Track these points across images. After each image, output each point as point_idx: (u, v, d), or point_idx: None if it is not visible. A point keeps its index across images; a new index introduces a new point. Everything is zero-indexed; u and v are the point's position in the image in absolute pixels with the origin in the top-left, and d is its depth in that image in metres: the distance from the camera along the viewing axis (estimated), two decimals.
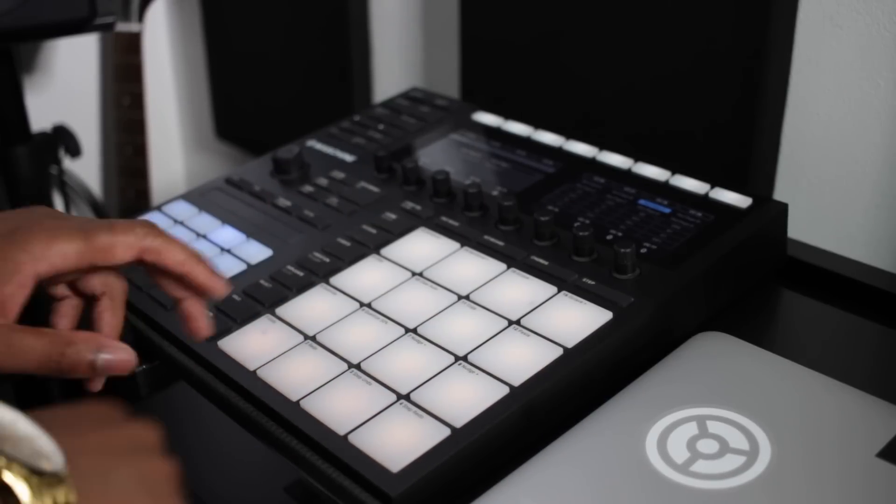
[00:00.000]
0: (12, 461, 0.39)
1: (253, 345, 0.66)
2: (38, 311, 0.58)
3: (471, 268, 0.71)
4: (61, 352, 0.54)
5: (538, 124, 0.88)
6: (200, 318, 0.60)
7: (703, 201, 0.75)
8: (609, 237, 0.72)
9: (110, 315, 0.60)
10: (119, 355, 0.55)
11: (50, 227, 0.55)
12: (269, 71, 1.35)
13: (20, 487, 0.38)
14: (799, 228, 0.88)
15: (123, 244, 0.56)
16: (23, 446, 0.39)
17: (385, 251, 0.74)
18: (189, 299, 0.60)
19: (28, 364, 0.54)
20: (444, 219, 0.77)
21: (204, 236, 0.79)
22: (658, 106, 0.91)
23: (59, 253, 0.55)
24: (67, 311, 0.60)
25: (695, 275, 0.68)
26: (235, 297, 0.71)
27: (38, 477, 0.39)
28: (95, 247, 0.56)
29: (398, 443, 0.57)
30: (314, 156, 0.90)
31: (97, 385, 0.57)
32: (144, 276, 0.74)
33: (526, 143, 0.86)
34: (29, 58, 1.46)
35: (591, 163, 0.82)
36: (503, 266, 0.70)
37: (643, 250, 0.70)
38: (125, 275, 0.60)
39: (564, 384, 0.61)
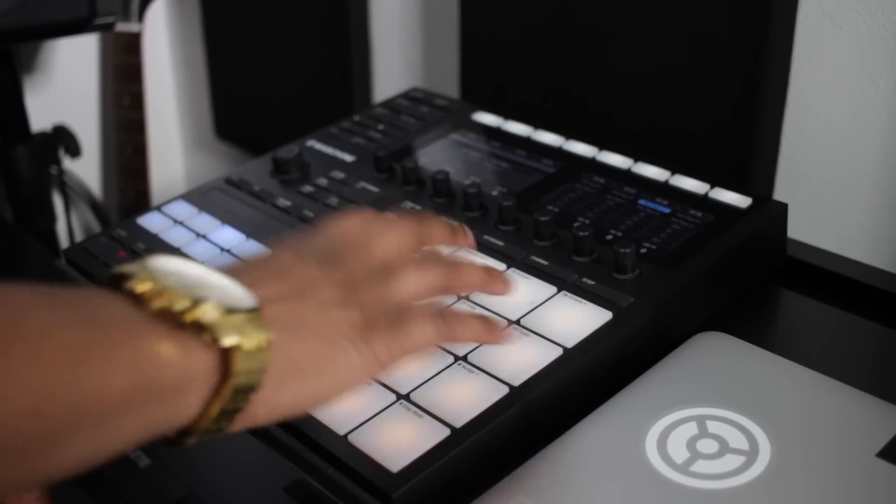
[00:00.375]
0: (207, 301, 0.41)
1: None
2: None
3: None
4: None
5: (538, 124, 0.88)
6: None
7: (703, 201, 0.75)
8: (609, 237, 0.72)
9: None
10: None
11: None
12: (269, 71, 1.35)
13: (217, 324, 0.41)
14: (799, 228, 0.88)
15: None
16: (216, 292, 0.42)
17: None
18: None
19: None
20: (443, 219, 0.77)
21: (204, 236, 0.79)
22: (658, 106, 0.91)
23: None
24: None
25: (695, 275, 0.68)
26: None
27: (234, 314, 0.41)
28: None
29: (398, 443, 0.57)
30: (314, 156, 0.89)
31: None
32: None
33: (526, 143, 0.86)
34: (29, 58, 1.47)
35: (591, 163, 0.82)
36: (503, 266, 0.70)
37: (643, 250, 0.70)
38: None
39: (564, 384, 0.61)
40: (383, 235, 0.54)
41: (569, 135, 0.85)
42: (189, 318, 0.41)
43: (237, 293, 0.43)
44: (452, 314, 0.54)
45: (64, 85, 1.51)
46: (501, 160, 0.84)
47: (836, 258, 0.76)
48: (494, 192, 0.79)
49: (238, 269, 0.47)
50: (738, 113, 0.85)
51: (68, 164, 1.38)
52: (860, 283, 0.73)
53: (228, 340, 0.41)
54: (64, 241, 1.44)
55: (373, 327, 0.49)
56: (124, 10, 1.36)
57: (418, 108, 0.95)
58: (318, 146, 0.91)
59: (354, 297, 0.49)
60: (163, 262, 0.44)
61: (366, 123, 0.94)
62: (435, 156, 0.87)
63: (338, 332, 0.47)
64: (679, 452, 0.54)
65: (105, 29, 1.03)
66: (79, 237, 1.52)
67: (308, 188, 0.84)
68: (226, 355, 0.41)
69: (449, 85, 1.17)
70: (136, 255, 0.78)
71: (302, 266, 0.49)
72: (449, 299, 0.68)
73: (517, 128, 0.88)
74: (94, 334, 0.39)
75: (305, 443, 0.59)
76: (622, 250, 0.67)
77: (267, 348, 0.43)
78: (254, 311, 0.43)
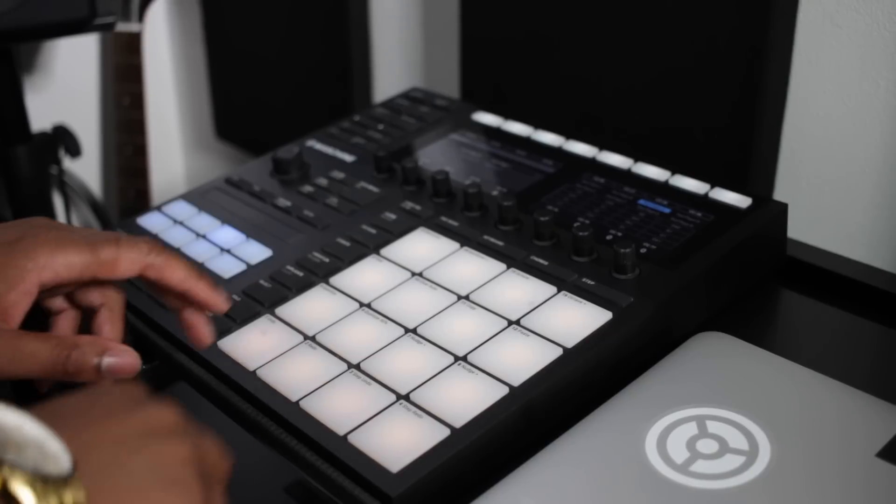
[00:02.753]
0: (16, 469, 0.38)
1: (253, 345, 0.66)
2: (33, 324, 0.59)
3: (470, 268, 0.71)
4: (67, 355, 0.54)
5: (538, 124, 0.88)
6: (202, 326, 0.60)
7: (703, 201, 0.75)
8: (609, 237, 0.72)
9: (110, 326, 0.60)
10: (124, 358, 0.55)
11: (55, 238, 0.56)
12: (269, 71, 1.35)
13: (25, 495, 0.37)
14: (799, 228, 0.88)
15: (128, 259, 0.57)
16: (28, 451, 0.39)
17: (385, 251, 0.74)
18: (189, 309, 0.60)
19: (33, 369, 0.54)
20: (443, 219, 0.77)
21: (204, 236, 0.79)
22: (658, 106, 0.91)
23: (63, 263, 0.55)
24: (65, 324, 0.61)
25: (694, 275, 0.68)
26: (235, 297, 0.71)
27: (45, 481, 0.38)
28: (100, 260, 0.56)
29: (398, 443, 0.57)
30: (314, 156, 0.89)
31: None
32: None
33: (526, 143, 0.86)
34: (29, 58, 1.46)
35: (591, 163, 0.82)
36: (503, 266, 0.70)
37: (643, 250, 0.70)
38: (123, 285, 0.61)
39: (564, 384, 0.61)
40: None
41: (569, 135, 0.85)
42: None
43: (53, 451, 0.39)
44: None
45: (64, 85, 1.51)
46: (501, 160, 0.84)
47: (836, 258, 0.76)
48: (494, 192, 0.79)
49: (65, 410, 0.44)
50: (737, 113, 0.85)
51: (68, 164, 1.38)
52: (860, 283, 0.73)
53: None
54: None
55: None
56: (124, 10, 1.36)
57: (418, 108, 0.95)
58: (318, 146, 0.91)
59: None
60: None
61: (366, 123, 0.94)
62: (435, 156, 0.87)
63: (172, 479, 0.43)
64: (679, 452, 0.54)
65: (105, 29, 1.03)
66: None
67: (308, 188, 0.84)
68: None
69: (449, 85, 1.17)
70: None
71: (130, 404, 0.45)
72: (446, 299, 0.68)
73: (517, 128, 0.88)
74: None
75: (305, 443, 0.59)
76: (622, 250, 0.67)
77: None
78: (69, 476, 0.39)
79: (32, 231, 0.56)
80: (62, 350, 0.54)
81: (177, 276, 0.58)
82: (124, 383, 0.48)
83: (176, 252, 0.61)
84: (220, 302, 0.60)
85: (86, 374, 0.55)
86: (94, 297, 0.59)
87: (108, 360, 0.55)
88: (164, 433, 0.44)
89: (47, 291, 0.57)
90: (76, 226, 0.60)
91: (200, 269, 0.60)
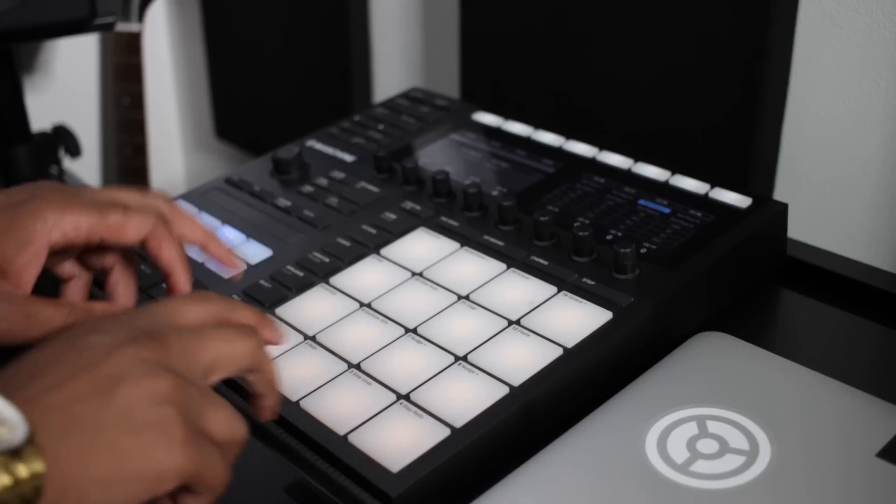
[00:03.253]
0: None
1: None
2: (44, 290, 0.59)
3: (471, 268, 0.71)
4: (82, 322, 0.53)
5: (538, 124, 0.88)
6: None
7: (703, 201, 0.75)
8: (609, 237, 0.72)
9: (123, 287, 0.60)
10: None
11: (62, 199, 0.55)
12: (270, 71, 1.35)
13: None
14: (799, 228, 0.88)
15: (135, 225, 0.57)
16: None
17: (385, 251, 0.74)
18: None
19: (49, 335, 0.53)
20: (443, 219, 0.77)
21: None
22: (658, 105, 0.91)
23: (71, 223, 0.55)
24: (75, 290, 0.60)
25: (695, 275, 0.68)
26: (235, 297, 0.71)
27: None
28: (107, 223, 0.56)
29: (398, 443, 0.57)
30: (314, 156, 0.89)
31: None
32: (144, 277, 0.74)
33: (526, 143, 0.86)
34: (29, 58, 1.46)
35: (591, 163, 0.82)
36: (503, 266, 0.70)
37: (643, 250, 0.70)
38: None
39: (564, 384, 0.61)
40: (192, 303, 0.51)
41: (569, 135, 0.85)
42: None
43: (10, 418, 0.38)
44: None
45: (64, 85, 1.51)
46: (501, 160, 0.84)
47: (836, 258, 0.76)
48: (494, 192, 0.79)
49: (24, 369, 0.42)
50: (737, 113, 0.85)
51: (68, 164, 1.38)
52: (860, 283, 0.73)
53: None
54: None
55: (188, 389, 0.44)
56: (124, 10, 1.36)
57: (418, 108, 0.95)
58: (318, 146, 0.91)
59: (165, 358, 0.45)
60: None
61: (366, 123, 0.94)
62: (435, 156, 0.87)
63: (145, 422, 0.41)
64: (679, 452, 0.54)
65: (105, 29, 1.03)
66: None
67: (308, 188, 0.84)
68: None
69: (449, 85, 1.17)
70: (135, 254, 0.78)
71: (97, 350, 0.43)
72: (446, 299, 0.68)
73: (517, 128, 0.88)
74: None
75: (305, 443, 0.59)
76: (622, 250, 0.67)
77: (41, 478, 0.38)
78: (22, 445, 0.37)
79: (39, 192, 0.56)
80: (77, 316, 0.54)
81: (170, 254, 0.58)
82: (103, 321, 0.46)
83: (186, 223, 0.61)
84: (234, 263, 0.62)
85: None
86: (106, 259, 0.59)
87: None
88: (136, 374, 0.42)
89: (56, 255, 0.56)
90: (84, 188, 0.59)
91: (188, 261, 0.60)
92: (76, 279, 0.60)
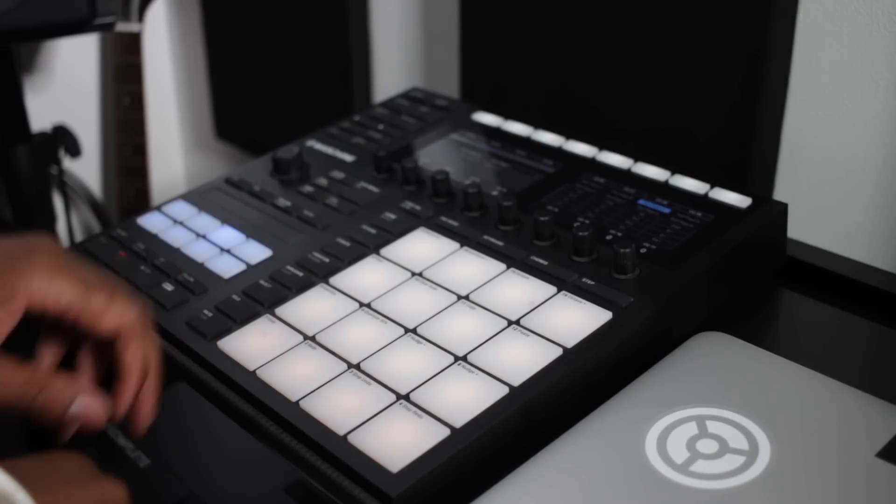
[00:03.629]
0: None
1: (252, 345, 0.66)
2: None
3: (470, 268, 0.71)
4: (37, 391, 0.53)
5: (538, 124, 0.88)
6: (123, 401, 0.58)
7: (703, 201, 0.75)
8: (609, 237, 0.72)
9: (89, 364, 0.59)
10: (93, 409, 0.54)
11: (54, 264, 0.55)
12: (269, 71, 1.35)
13: None
14: (799, 228, 0.88)
15: (113, 316, 0.56)
16: None
17: (385, 251, 0.74)
18: (126, 384, 0.58)
19: (2, 397, 0.53)
20: (443, 219, 0.77)
21: (204, 236, 0.79)
22: (658, 106, 0.91)
23: (55, 293, 0.54)
24: (55, 341, 0.59)
25: (695, 275, 0.68)
26: (235, 297, 0.71)
27: None
28: (89, 304, 0.55)
29: (398, 443, 0.57)
30: (314, 156, 0.89)
31: (67, 434, 0.55)
32: (144, 277, 0.74)
33: (526, 143, 0.86)
34: (29, 58, 1.46)
35: (591, 163, 0.82)
36: (503, 266, 0.70)
37: (643, 250, 0.70)
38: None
39: (564, 384, 0.61)
40: None
41: (569, 135, 0.85)
42: None
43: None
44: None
45: (64, 85, 1.51)
46: (501, 160, 0.84)
47: (836, 258, 0.76)
48: (494, 192, 0.79)
49: (24, 471, 0.45)
50: (737, 113, 0.85)
51: (68, 164, 1.38)
52: (860, 283, 0.73)
53: None
54: (64, 241, 1.44)
55: None
56: (124, 10, 1.36)
57: (418, 108, 0.95)
58: (318, 146, 0.91)
59: None
60: None
61: (366, 123, 0.94)
62: (435, 156, 0.87)
63: None
64: (679, 452, 0.54)
65: (105, 29, 1.03)
66: (79, 237, 1.52)
67: (308, 188, 0.84)
68: None
69: (449, 85, 1.17)
70: (135, 255, 0.78)
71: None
72: (446, 299, 0.68)
73: (517, 128, 0.88)
74: None
75: (305, 443, 0.59)
76: (622, 250, 0.67)
77: None
78: None
79: (34, 253, 0.55)
80: (33, 385, 0.53)
81: (127, 361, 0.56)
82: (74, 454, 0.48)
83: (157, 346, 0.59)
84: (135, 419, 0.58)
85: (52, 415, 0.53)
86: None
87: (76, 407, 0.54)
88: None
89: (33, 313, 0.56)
90: (79, 263, 0.59)
91: (153, 383, 0.59)
92: (52, 339, 0.59)
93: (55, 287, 0.54)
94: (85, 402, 0.54)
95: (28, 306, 0.54)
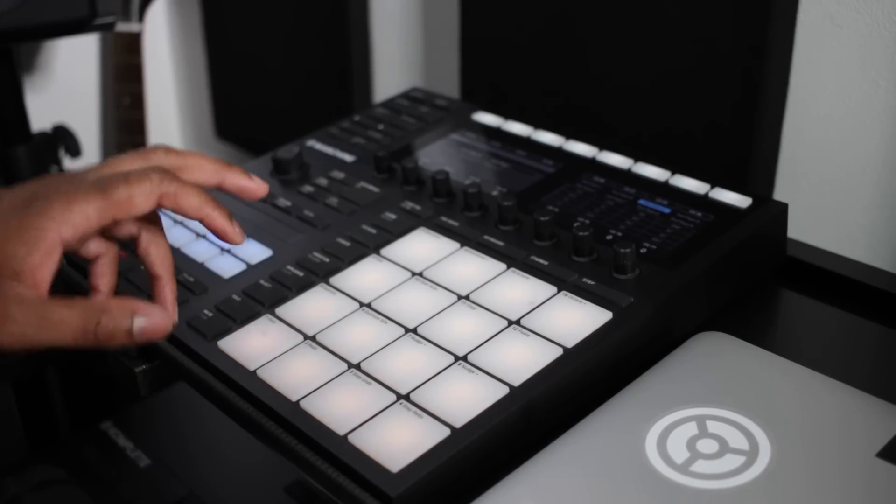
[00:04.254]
0: None
1: (253, 345, 0.66)
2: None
3: (471, 268, 0.71)
4: (97, 321, 0.53)
5: (538, 124, 0.88)
6: (169, 303, 0.61)
7: (703, 201, 0.75)
8: (609, 237, 0.72)
9: (155, 248, 0.60)
10: (155, 319, 0.55)
11: (67, 191, 0.55)
12: (269, 71, 1.35)
13: None
14: (799, 228, 0.88)
15: (141, 193, 0.56)
16: None
17: (385, 251, 0.74)
18: (164, 281, 0.61)
19: (64, 337, 0.53)
20: (443, 219, 0.77)
21: (204, 236, 0.79)
22: (658, 106, 0.91)
23: (80, 214, 0.54)
24: (103, 269, 0.60)
25: (695, 275, 0.68)
26: (235, 297, 0.71)
27: None
28: (114, 202, 0.55)
29: (398, 443, 0.57)
30: (314, 156, 0.90)
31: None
32: (145, 277, 0.74)
33: (526, 143, 0.86)
34: (29, 58, 1.46)
35: (591, 163, 0.82)
36: (503, 266, 0.70)
37: (643, 250, 0.70)
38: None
39: (564, 384, 0.61)
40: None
41: (569, 135, 0.85)
42: None
43: None
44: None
45: (64, 85, 1.51)
46: (501, 160, 0.84)
47: (836, 258, 0.76)
48: (494, 192, 0.79)
49: None
50: (738, 113, 0.85)
51: (68, 164, 1.38)
52: (860, 283, 0.73)
53: None
54: None
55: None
56: (124, 10, 1.36)
57: (418, 108, 0.95)
58: (318, 146, 0.91)
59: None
60: None
61: (366, 123, 0.94)
62: (435, 156, 0.87)
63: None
64: (679, 452, 0.54)
65: (105, 29, 1.03)
66: None
67: (308, 188, 0.84)
68: None
69: (449, 85, 1.17)
70: (135, 254, 0.78)
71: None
72: (446, 299, 0.68)
73: (517, 128, 0.88)
74: None
75: (305, 443, 0.59)
76: (622, 250, 0.67)
77: None
78: None
79: (43, 189, 0.56)
80: (91, 316, 0.53)
81: (192, 203, 0.58)
82: None
83: (196, 167, 0.61)
84: (235, 233, 0.60)
85: (118, 339, 0.54)
86: (129, 228, 0.59)
87: (139, 323, 0.54)
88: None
89: (76, 243, 0.56)
90: (88, 168, 0.60)
91: (216, 199, 0.60)
92: (103, 256, 0.60)
93: (77, 209, 0.54)
94: (148, 313, 0.55)
95: (63, 241, 0.54)
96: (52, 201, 0.54)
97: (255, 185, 0.62)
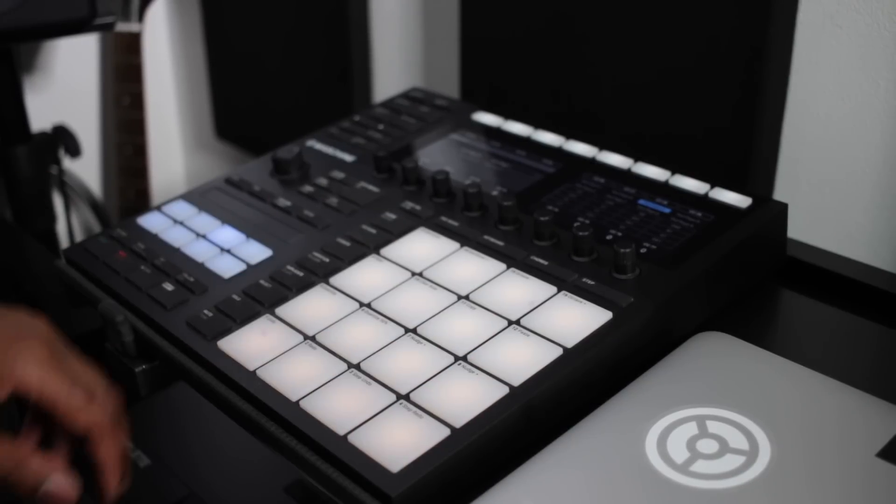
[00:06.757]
0: None
1: (253, 345, 0.66)
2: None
3: (471, 268, 0.71)
4: (13, 466, 0.57)
5: (538, 124, 0.88)
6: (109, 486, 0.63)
7: (703, 201, 0.75)
8: (609, 237, 0.72)
9: (104, 450, 0.62)
10: (65, 488, 0.59)
11: (45, 355, 0.59)
12: (269, 71, 1.35)
13: None
14: (799, 228, 0.88)
15: (86, 416, 0.60)
16: None
17: (385, 251, 0.74)
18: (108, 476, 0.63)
19: None
20: (443, 219, 0.77)
21: (204, 236, 0.79)
22: (658, 106, 0.91)
23: (40, 383, 0.59)
24: (39, 419, 0.63)
25: (695, 275, 0.68)
26: (235, 297, 0.71)
27: None
28: (69, 401, 0.59)
29: (398, 443, 0.57)
30: (314, 156, 0.89)
31: None
32: (145, 277, 0.74)
33: (526, 143, 0.86)
34: (29, 58, 1.47)
35: (591, 163, 0.82)
36: (503, 266, 0.70)
37: (643, 250, 0.70)
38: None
39: (564, 384, 0.61)
40: None
41: (569, 135, 0.85)
42: None
43: None
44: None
45: (64, 85, 1.51)
46: (501, 160, 0.84)
47: (836, 258, 0.76)
48: (494, 192, 0.79)
49: None
50: (737, 113, 0.85)
51: (68, 164, 1.38)
52: (860, 283, 0.73)
53: None
54: (64, 241, 1.44)
55: None
56: (124, 10, 1.37)
57: (418, 108, 0.95)
58: (318, 146, 0.91)
59: None
60: None
61: (366, 123, 0.94)
62: (435, 156, 0.87)
63: None
64: (679, 452, 0.54)
65: (105, 29, 1.03)
66: (79, 237, 1.52)
67: (308, 188, 0.84)
68: None
69: (449, 85, 1.17)
70: (136, 254, 0.78)
71: None
72: (446, 299, 0.68)
73: (517, 128, 0.88)
74: None
75: (305, 443, 0.59)
76: (622, 250, 0.67)
77: None
78: None
79: (29, 338, 0.60)
80: (11, 460, 0.58)
81: (101, 457, 0.61)
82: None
83: (124, 442, 0.64)
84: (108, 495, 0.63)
85: (26, 490, 0.58)
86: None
87: (49, 484, 0.58)
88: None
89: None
90: (68, 353, 0.63)
91: (122, 471, 0.63)
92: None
93: (42, 377, 0.59)
94: (58, 482, 0.59)
95: (14, 390, 0.58)
96: (29, 357, 0.59)
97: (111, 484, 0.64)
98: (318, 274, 0.72)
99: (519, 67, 1.01)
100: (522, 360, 0.62)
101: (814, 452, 0.54)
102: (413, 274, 0.71)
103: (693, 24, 0.86)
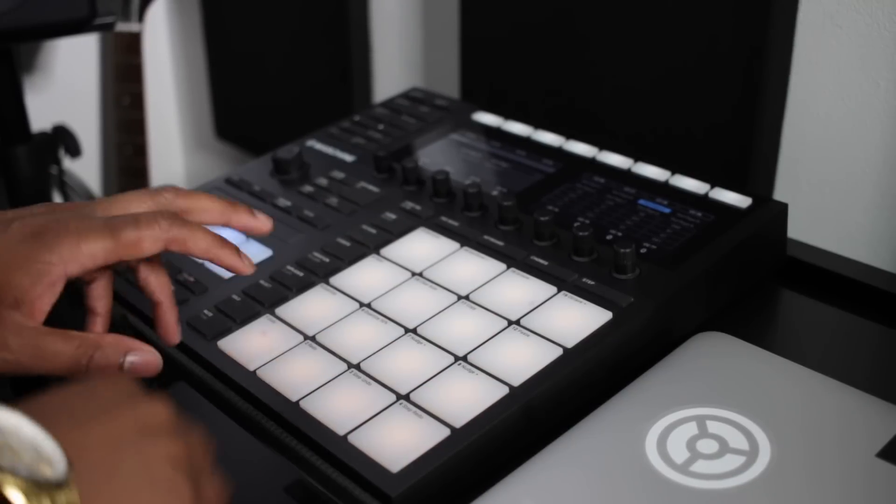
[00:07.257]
0: (9, 474, 0.38)
1: (253, 345, 0.66)
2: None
3: (471, 268, 0.71)
4: (90, 356, 0.55)
5: (538, 124, 0.88)
6: (171, 326, 0.62)
7: (703, 201, 0.75)
8: (609, 237, 0.72)
9: (154, 277, 0.61)
10: (147, 357, 0.56)
11: (77, 229, 0.56)
12: (269, 71, 1.35)
13: (18, 499, 0.37)
14: (799, 228, 0.88)
15: (150, 238, 0.57)
16: (24, 453, 0.39)
17: (385, 251, 0.74)
18: (165, 306, 0.62)
19: (57, 368, 0.54)
20: (443, 219, 0.77)
21: None
22: (658, 106, 0.91)
23: (87, 253, 0.56)
24: (100, 292, 0.61)
25: (695, 275, 0.68)
26: (235, 297, 0.71)
27: (38, 485, 0.38)
28: (123, 244, 0.57)
29: (398, 443, 0.57)
30: (314, 156, 0.89)
31: None
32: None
33: (526, 143, 0.86)
34: (29, 58, 1.47)
35: (591, 163, 0.82)
36: (503, 266, 0.70)
37: (643, 250, 0.70)
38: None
39: (564, 384, 0.61)
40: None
41: (569, 135, 0.85)
42: None
43: (49, 453, 0.39)
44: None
45: (64, 85, 1.51)
46: (501, 160, 0.84)
47: (836, 258, 0.76)
48: (494, 192, 0.79)
49: (58, 407, 0.44)
50: (737, 113, 0.85)
51: (68, 164, 1.38)
52: (860, 283, 0.73)
53: None
54: None
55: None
56: (124, 10, 1.36)
57: (418, 108, 0.95)
58: (318, 146, 0.91)
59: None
60: None
61: (366, 123, 0.94)
62: (435, 156, 0.87)
63: (161, 480, 0.44)
64: (679, 452, 0.54)
65: (105, 29, 1.03)
66: None
67: (308, 188, 0.84)
68: None
69: (449, 85, 1.17)
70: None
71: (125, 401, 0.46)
72: (446, 299, 0.68)
73: (517, 128, 0.88)
74: None
75: (305, 443, 0.59)
76: (622, 250, 0.67)
77: None
78: (64, 480, 0.39)
79: (54, 224, 0.56)
80: (85, 350, 0.55)
81: (200, 246, 0.60)
82: (116, 378, 0.48)
83: (202, 209, 0.63)
84: (245, 266, 0.62)
85: (108, 374, 0.55)
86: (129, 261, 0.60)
87: (130, 360, 0.56)
88: (155, 432, 0.45)
89: (80, 276, 0.57)
90: (97, 202, 0.61)
91: (221, 237, 0.61)
92: (100, 279, 0.61)
93: (86, 248, 0.56)
94: (136, 353, 0.56)
95: (68, 276, 0.55)
96: (62, 237, 0.55)
97: (260, 223, 0.65)
98: (318, 274, 0.72)
99: (519, 67, 1.01)
100: (522, 360, 0.62)
101: (814, 452, 0.54)
102: (413, 274, 0.71)
103: (693, 24, 0.86)
